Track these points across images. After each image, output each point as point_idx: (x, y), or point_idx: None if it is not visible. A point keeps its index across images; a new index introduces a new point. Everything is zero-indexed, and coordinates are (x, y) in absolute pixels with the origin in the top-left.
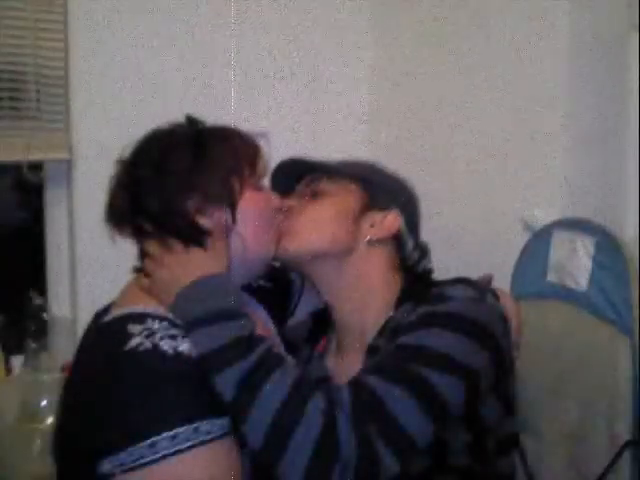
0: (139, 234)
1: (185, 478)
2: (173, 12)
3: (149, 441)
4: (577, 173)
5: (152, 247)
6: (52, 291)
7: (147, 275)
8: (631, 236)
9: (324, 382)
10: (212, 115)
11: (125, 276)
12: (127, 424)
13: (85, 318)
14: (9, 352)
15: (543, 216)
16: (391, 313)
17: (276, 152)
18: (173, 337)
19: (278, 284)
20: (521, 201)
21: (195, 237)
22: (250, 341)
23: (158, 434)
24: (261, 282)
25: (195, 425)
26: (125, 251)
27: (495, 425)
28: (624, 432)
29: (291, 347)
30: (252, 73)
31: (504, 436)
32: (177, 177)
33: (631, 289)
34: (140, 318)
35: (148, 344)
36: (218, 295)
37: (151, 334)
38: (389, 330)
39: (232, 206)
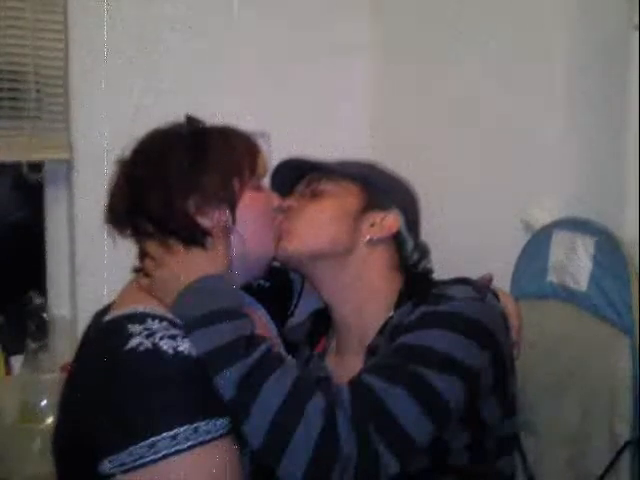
0: (139, 234)
1: (185, 478)
2: (173, 12)
3: (149, 441)
4: (577, 173)
5: (152, 247)
6: (52, 291)
7: (147, 275)
8: (631, 236)
9: (324, 382)
10: (212, 115)
11: (125, 276)
12: (127, 424)
13: (85, 318)
14: (9, 352)
15: (543, 216)
16: (391, 313)
17: (276, 152)
18: (173, 337)
19: (278, 284)
20: (521, 201)
21: (195, 237)
22: (250, 341)
23: (158, 434)
24: (261, 282)
25: (195, 425)
26: (125, 251)
27: (495, 425)
28: (624, 432)
29: (291, 347)
30: (252, 73)
31: (504, 436)
32: (177, 177)
33: (631, 289)
34: (140, 318)
35: (148, 344)
36: (218, 295)
37: (151, 334)
38: (389, 330)
39: (232, 206)
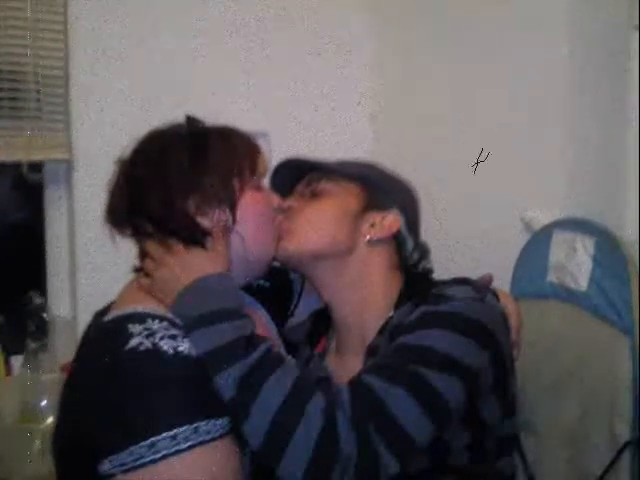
0: (139, 234)
1: (185, 478)
2: (173, 12)
3: (149, 441)
4: (577, 173)
5: (152, 247)
6: (52, 291)
7: (147, 275)
8: (631, 236)
9: (324, 382)
10: (212, 115)
11: (125, 276)
12: (127, 424)
13: (85, 318)
14: (9, 352)
15: (543, 216)
16: (391, 313)
17: (276, 152)
18: (173, 337)
19: (278, 284)
20: (521, 201)
21: (195, 237)
22: (250, 341)
23: (158, 434)
24: (261, 282)
25: (195, 425)
26: (125, 251)
27: (495, 425)
28: (624, 432)
29: (291, 347)
30: (252, 73)
31: (504, 436)
32: (177, 177)
33: (631, 289)
34: (140, 318)
35: (148, 344)
36: (218, 295)
37: (151, 334)
38: (389, 330)
39: (232, 206)
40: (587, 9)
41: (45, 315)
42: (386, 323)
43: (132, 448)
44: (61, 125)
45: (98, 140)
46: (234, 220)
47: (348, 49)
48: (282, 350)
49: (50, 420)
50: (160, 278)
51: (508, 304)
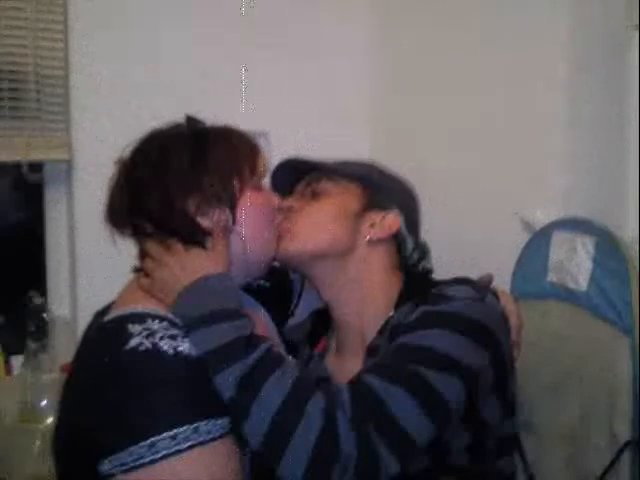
0: (139, 234)
1: (185, 478)
2: (173, 12)
3: (149, 441)
4: (577, 173)
5: (152, 247)
6: (52, 291)
7: (147, 275)
8: (631, 236)
9: (324, 382)
10: (212, 115)
11: (125, 276)
12: (127, 424)
13: (85, 318)
14: (9, 352)
15: (543, 216)
16: (391, 313)
17: (276, 152)
18: (173, 337)
19: (278, 284)
20: (521, 201)
21: (195, 237)
22: (250, 341)
23: (158, 434)
24: (261, 282)
25: (195, 425)
26: (125, 251)
27: (495, 425)
28: (624, 432)
29: (291, 347)
30: (252, 73)
31: (504, 436)
32: (177, 177)
33: (631, 289)
34: (140, 318)
35: (148, 344)
36: (218, 295)
37: (151, 334)
38: (389, 330)
39: (232, 206)
40: (587, 9)
41: (45, 315)
42: (386, 323)
43: (132, 448)
44: (61, 125)
45: (98, 140)
46: (234, 220)
47: (348, 50)
48: (282, 350)
49: (50, 420)
50: (160, 278)
51: (508, 304)
